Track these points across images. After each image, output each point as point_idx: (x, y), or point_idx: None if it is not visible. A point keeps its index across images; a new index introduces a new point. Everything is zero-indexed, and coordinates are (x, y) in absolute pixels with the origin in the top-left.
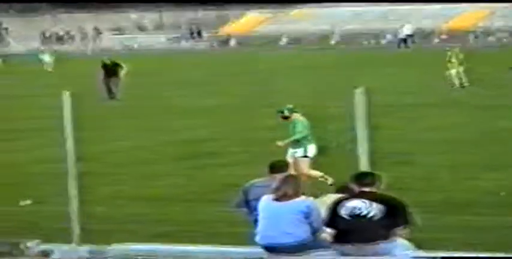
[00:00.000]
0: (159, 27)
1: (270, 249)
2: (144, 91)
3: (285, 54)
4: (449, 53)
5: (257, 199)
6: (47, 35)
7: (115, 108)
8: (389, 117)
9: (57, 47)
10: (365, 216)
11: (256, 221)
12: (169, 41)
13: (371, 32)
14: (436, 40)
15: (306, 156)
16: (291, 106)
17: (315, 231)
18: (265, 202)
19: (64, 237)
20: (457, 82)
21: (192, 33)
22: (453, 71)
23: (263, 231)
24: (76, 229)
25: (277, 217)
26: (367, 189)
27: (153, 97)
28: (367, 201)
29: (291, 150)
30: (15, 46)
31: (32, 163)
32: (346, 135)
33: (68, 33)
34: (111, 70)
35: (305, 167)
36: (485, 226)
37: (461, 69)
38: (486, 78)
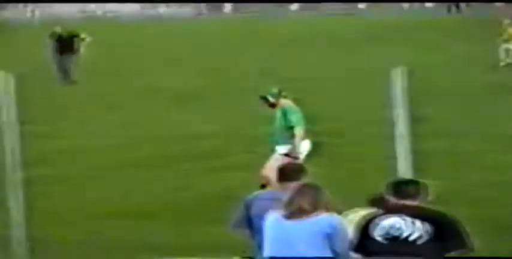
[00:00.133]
0: None
1: None
2: (111, 71)
3: (296, 21)
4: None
5: (262, 216)
6: None
7: (72, 94)
8: (438, 104)
9: None
10: (406, 238)
11: (261, 246)
12: (143, 6)
13: None
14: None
15: (288, 155)
16: (275, 90)
17: (339, 258)
18: (274, 221)
19: None
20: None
21: None
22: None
23: None
24: None
25: (290, 240)
26: (408, 202)
27: (123, 79)
28: (408, 219)
29: (276, 147)
30: None
31: None
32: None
33: None
34: (66, 43)
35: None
36: None
37: None
38: None
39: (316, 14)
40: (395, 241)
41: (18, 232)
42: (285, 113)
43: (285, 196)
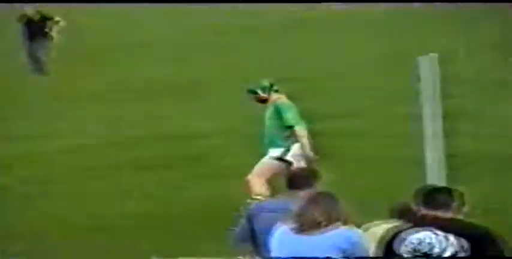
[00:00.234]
0: None
1: None
2: (88, 59)
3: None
4: None
5: (268, 230)
6: None
7: (43, 86)
8: (474, 98)
9: None
10: (438, 255)
11: None
12: None
13: None
14: None
15: (281, 160)
16: (266, 83)
17: None
18: (282, 235)
19: None
20: None
21: None
22: None
23: None
24: None
25: (301, 257)
26: (440, 214)
27: (103, 68)
28: (440, 233)
29: (271, 149)
30: None
31: None
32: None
33: None
34: (37, 27)
35: (268, 174)
36: None
37: None
38: None
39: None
40: (425, 258)
41: None
42: (278, 110)
43: (295, 207)
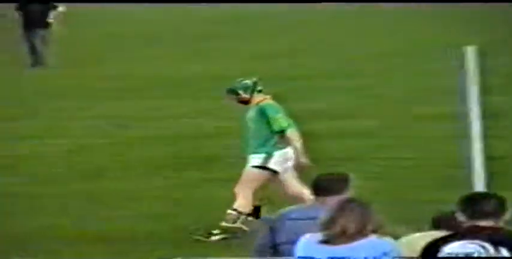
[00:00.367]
0: None
1: None
2: (96, 56)
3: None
4: None
5: (293, 240)
6: None
7: (43, 80)
8: None
9: None
10: None
11: None
12: None
13: None
14: None
15: (263, 168)
16: (248, 82)
17: None
18: (309, 246)
19: None
20: None
21: None
22: None
23: None
24: None
25: None
26: (484, 223)
27: (107, 62)
28: (486, 244)
29: (248, 156)
30: None
31: None
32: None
33: None
34: (36, 16)
35: (253, 185)
36: None
37: None
38: None
39: None
40: None
41: None
42: (262, 112)
43: (324, 215)
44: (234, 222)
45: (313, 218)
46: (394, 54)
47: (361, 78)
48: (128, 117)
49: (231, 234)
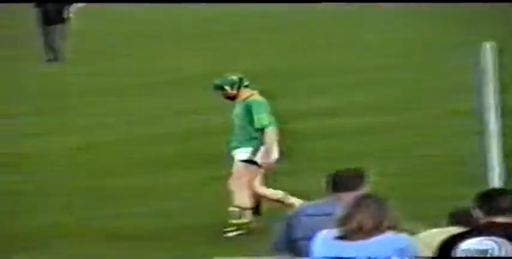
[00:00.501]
0: None
1: None
2: (107, 52)
3: None
4: None
5: (309, 236)
6: None
7: (58, 77)
8: None
9: None
10: None
11: None
12: None
13: None
14: None
15: (252, 162)
16: (234, 77)
17: None
18: (326, 242)
19: None
20: None
21: None
22: None
23: None
24: None
25: None
26: (501, 219)
27: (115, 58)
28: (501, 241)
29: (232, 151)
30: None
31: None
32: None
33: None
34: (53, 11)
35: (243, 181)
36: None
37: None
38: None
39: None
40: None
41: None
42: (248, 108)
43: (340, 211)
44: (240, 217)
45: (329, 214)
46: (395, 53)
47: (366, 75)
48: (137, 114)
49: (245, 230)
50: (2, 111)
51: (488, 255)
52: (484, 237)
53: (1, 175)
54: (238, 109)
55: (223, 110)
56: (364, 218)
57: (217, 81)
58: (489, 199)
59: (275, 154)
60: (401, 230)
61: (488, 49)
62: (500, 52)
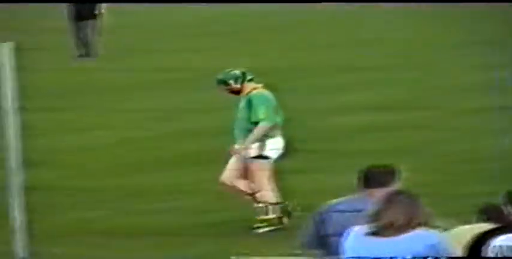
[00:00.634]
0: None
1: None
2: (138, 49)
3: None
4: None
5: (340, 232)
6: None
7: (90, 72)
8: None
9: None
10: None
11: None
12: None
13: None
14: None
15: (263, 157)
16: (237, 72)
17: None
18: (356, 239)
19: None
20: None
21: None
22: None
23: None
24: None
25: None
26: None
27: (154, 57)
28: None
29: (236, 147)
30: None
31: None
32: None
33: None
34: (85, 6)
35: (264, 175)
36: None
37: None
38: None
39: None
40: None
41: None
42: (250, 102)
43: (371, 207)
44: (267, 213)
45: (360, 210)
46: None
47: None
48: (166, 109)
49: (275, 226)
50: (39, 105)
51: None
52: None
53: (35, 170)
54: (242, 103)
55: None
56: (396, 214)
57: (221, 76)
58: None
59: (277, 150)
60: (433, 227)
61: None
62: None
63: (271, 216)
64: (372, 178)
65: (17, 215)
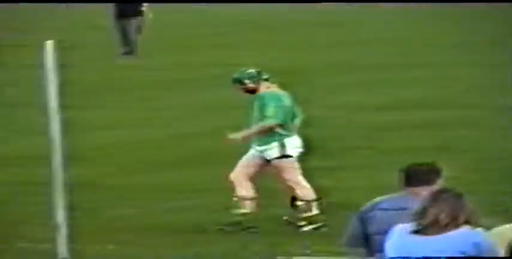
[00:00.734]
0: None
1: None
2: (185, 41)
3: None
4: None
5: (384, 230)
6: None
7: (134, 70)
8: None
9: None
10: None
11: None
12: None
13: None
14: None
15: (287, 156)
16: (253, 71)
17: None
18: (401, 237)
19: None
20: None
21: None
22: None
23: None
24: None
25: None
26: None
27: (196, 52)
28: None
29: (256, 148)
30: None
31: None
32: None
33: None
34: (129, 4)
35: (296, 173)
36: None
37: None
38: None
39: None
40: None
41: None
42: (261, 101)
43: (416, 206)
44: (309, 210)
45: (404, 208)
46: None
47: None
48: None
49: (319, 223)
50: (81, 103)
51: None
52: None
53: (79, 168)
54: (255, 102)
55: None
56: (440, 212)
57: (236, 75)
58: None
59: (297, 148)
60: (477, 225)
61: None
62: None
63: (313, 213)
64: (414, 176)
65: (60, 213)
